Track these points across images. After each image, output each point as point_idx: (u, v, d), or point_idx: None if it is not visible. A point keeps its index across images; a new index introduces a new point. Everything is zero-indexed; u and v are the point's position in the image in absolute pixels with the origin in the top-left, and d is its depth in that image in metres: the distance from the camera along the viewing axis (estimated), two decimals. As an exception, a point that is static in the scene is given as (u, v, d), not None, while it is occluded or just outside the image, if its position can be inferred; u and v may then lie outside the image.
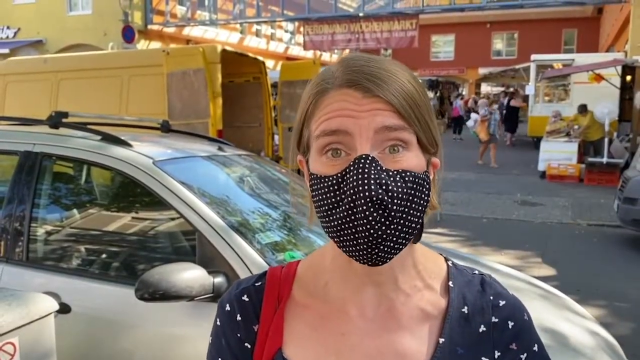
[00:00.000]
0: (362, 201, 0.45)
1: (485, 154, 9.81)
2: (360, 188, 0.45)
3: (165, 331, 1.49)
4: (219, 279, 1.42)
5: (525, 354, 0.54)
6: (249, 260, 1.46)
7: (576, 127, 8.91)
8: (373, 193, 0.45)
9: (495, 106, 10.93)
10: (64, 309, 1.53)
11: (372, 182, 0.45)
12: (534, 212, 6.34)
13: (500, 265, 2.19)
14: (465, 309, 0.54)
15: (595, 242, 5.15)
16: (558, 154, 8.53)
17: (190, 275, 1.37)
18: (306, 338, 0.54)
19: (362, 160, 0.46)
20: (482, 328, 0.54)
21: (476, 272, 0.58)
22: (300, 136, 0.52)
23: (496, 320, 0.54)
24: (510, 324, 0.54)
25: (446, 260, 0.59)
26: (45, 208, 1.83)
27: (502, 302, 0.55)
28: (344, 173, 0.47)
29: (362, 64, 0.49)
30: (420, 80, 0.52)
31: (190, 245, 1.59)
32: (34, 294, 1.39)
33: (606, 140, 8.23)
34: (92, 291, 1.61)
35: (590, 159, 8.28)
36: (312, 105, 0.50)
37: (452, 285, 0.56)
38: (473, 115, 10.14)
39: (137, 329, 1.52)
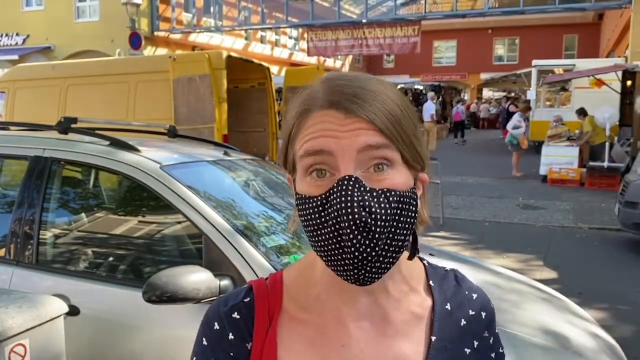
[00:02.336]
0: (346, 224, 0.45)
1: (514, 161, 9.25)
2: (344, 211, 0.45)
3: (172, 333, 1.51)
4: (225, 282, 1.44)
5: (492, 338, 0.59)
6: (254, 263, 1.48)
7: (577, 131, 8.93)
8: (357, 216, 0.45)
9: (529, 112, 10.61)
10: (73, 311, 1.56)
11: (355, 204, 0.45)
12: (536, 216, 6.33)
13: (502, 269, 2.20)
14: (448, 306, 0.57)
15: (597, 245, 5.14)
16: (559, 158, 8.53)
17: (197, 278, 1.38)
18: (304, 353, 0.53)
19: (346, 182, 0.46)
20: (463, 322, 0.57)
21: (447, 268, 0.62)
22: (286, 155, 0.53)
23: (473, 312, 0.58)
24: (483, 314, 0.59)
25: (421, 260, 0.60)
26: (54, 212, 1.85)
27: (474, 295, 0.59)
28: (328, 194, 0.47)
29: (343, 84, 0.49)
30: (404, 96, 0.53)
31: (197, 249, 1.61)
32: (44, 297, 1.42)
33: (607, 144, 8.24)
34: (100, 293, 1.63)
35: (591, 163, 8.28)
36: (295, 125, 0.51)
37: (433, 285, 0.58)
38: (514, 120, 9.36)
39: (144, 331, 1.54)
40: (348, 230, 0.46)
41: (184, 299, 1.36)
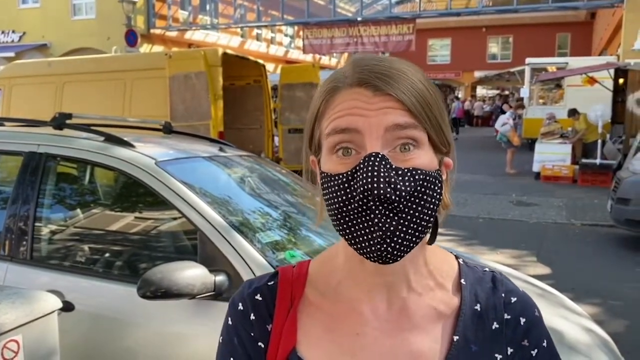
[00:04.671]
0: (372, 199, 0.45)
1: (508, 159, 9.31)
2: (370, 186, 0.45)
3: (167, 329, 1.51)
4: (220, 278, 1.44)
5: (536, 350, 0.55)
6: (249, 259, 1.48)
7: (570, 129, 9.01)
8: (382, 191, 0.45)
9: (523, 111, 10.71)
10: (68, 307, 1.55)
11: (381, 180, 0.45)
12: (529, 212, 6.39)
13: (496, 265, 2.22)
14: (477, 307, 0.54)
15: (589, 241, 5.20)
16: (552, 155, 8.61)
17: (191, 273, 1.38)
18: (320, 338, 0.54)
19: (372, 159, 0.46)
20: (495, 325, 0.54)
21: (487, 269, 0.59)
22: (312, 136, 0.52)
23: (509, 317, 0.54)
24: (522, 320, 0.55)
25: (457, 258, 0.59)
26: (49, 208, 1.84)
27: (513, 299, 0.56)
28: (354, 171, 0.47)
29: (373, 64, 0.49)
30: (429, 80, 0.52)
31: (192, 244, 1.61)
32: (37, 292, 1.41)
33: (599, 141, 8.33)
34: (95, 289, 1.63)
35: (584, 160, 8.37)
36: (323, 104, 0.50)
37: (464, 283, 0.56)
38: (502, 118, 9.40)
39: (139, 326, 1.54)
40: (374, 206, 0.46)
41: (179, 295, 1.36)
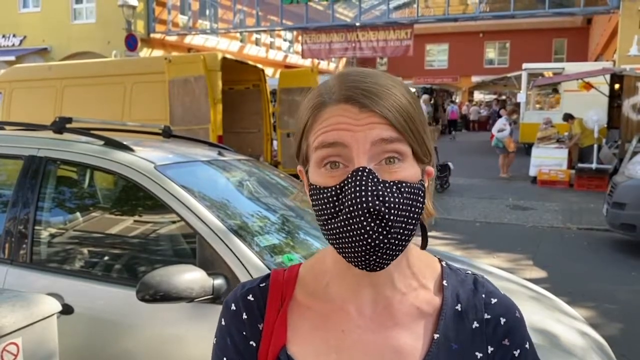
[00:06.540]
0: (360, 212, 0.47)
1: (500, 163, 9.36)
2: (358, 200, 0.47)
3: (165, 332, 1.51)
4: (219, 281, 1.44)
5: (518, 351, 0.56)
6: (248, 262, 1.49)
7: (566, 134, 9.07)
8: (370, 205, 0.47)
9: (516, 116, 10.78)
10: (67, 309, 1.56)
11: (369, 194, 0.47)
12: (526, 216, 6.41)
13: (492, 268, 2.23)
14: (458, 307, 0.57)
15: (585, 245, 5.22)
16: (549, 159, 8.66)
17: (190, 277, 1.39)
18: (308, 336, 0.56)
19: (360, 173, 0.48)
20: (475, 324, 0.56)
21: (469, 272, 0.61)
22: (299, 148, 0.55)
23: (489, 317, 0.56)
24: (502, 320, 0.57)
25: (440, 261, 0.61)
26: (48, 211, 1.85)
27: (494, 300, 0.58)
28: (342, 185, 0.49)
29: (358, 80, 0.51)
30: (414, 93, 0.55)
31: (191, 248, 1.62)
32: (37, 295, 1.41)
33: (595, 146, 8.39)
34: (94, 292, 1.63)
35: (580, 165, 8.42)
36: (310, 119, 0.52)
37: (445, 284, 0.58)
38: (499, 124, 9.43)
39: (138, 329, 1.54)
40: (362, 218, 0.48)
41: (178, 298, 1.36)
